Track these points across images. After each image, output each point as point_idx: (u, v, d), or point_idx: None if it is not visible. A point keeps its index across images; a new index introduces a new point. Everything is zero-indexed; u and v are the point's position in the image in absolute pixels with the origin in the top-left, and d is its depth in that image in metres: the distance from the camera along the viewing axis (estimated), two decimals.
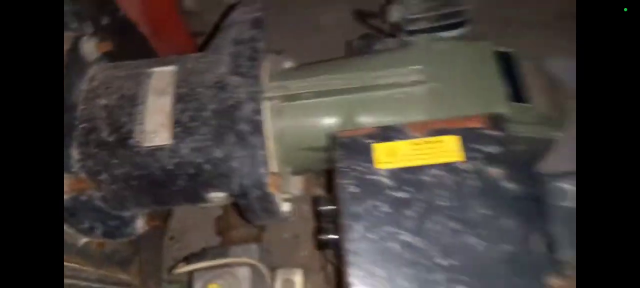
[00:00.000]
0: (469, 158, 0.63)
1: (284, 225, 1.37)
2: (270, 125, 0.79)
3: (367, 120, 0.78)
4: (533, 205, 0.63)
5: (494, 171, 0.62)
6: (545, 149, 0.96)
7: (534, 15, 1.64)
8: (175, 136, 0.79)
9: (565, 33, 1.61)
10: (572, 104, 0.94)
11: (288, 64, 0.96)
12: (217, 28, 0.92)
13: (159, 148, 0.79)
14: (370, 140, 0.66)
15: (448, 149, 0.64)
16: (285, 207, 0.87)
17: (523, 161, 0.66)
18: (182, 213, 1.46)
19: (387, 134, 0.67)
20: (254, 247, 1.10)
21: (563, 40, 1.58)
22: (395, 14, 0.89)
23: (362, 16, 1.05)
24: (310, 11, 1.79)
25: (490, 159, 0.63)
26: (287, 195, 0.86)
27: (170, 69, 0.86)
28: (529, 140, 0.87)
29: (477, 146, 0.64)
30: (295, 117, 0.80)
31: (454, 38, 0.85)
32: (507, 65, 0.83)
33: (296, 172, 0.91)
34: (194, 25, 1.80)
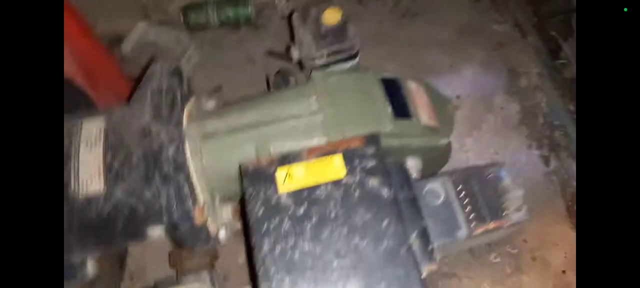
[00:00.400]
0: (351, 173, 0.76)
1: (238, 252, 1.46)
2: (192, 162, 0.90)
3: (277, 148, 0.90)
4: (408, 206, 0.76)
5: (372, 181, 0.75)
6: (443, 154, 1.11)
7: (437, 33, 1.83)
8: (108, 182, 0.88)
9: (467, 46, 1.82)
10: (455, 113, 1.10)
11: (211, 104, 1.07)
12: (139, 79, 1.02)
13: (95, 196, 0.88)
14: (272, 168, 0.78)
15: (335, 168, 0.77)
16: (221, 233, 0.97)
17: (397, 170, 0.80)
18: (139, 252, 1.52)
19: (286, 160, 0.79)
20: (204, 273, 1.19)
21: (465, 53, 1.79)
22: (295, 55, 1.02)
23: (273, 55, 1.17)
24: (243, 46, 1.91)
25: (369, 172, 0.76)
26: (219, 222, 0.97)
27: (98, 121, 0.95)
28: (421, 149, 1.02)
29: (358, 163, 0.77)
30: (213, 153, 0.91)
31: (346, 70, 1.00)
32: (392, 88, 0.97)
33: (226, 200, 1.01)
34: (132, 71, 1.88)
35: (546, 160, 1.59)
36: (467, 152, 1.61)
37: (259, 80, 1.59)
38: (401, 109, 0.95)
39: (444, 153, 1.11)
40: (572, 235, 1.46)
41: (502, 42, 1.81)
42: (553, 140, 1.63)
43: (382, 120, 0.91)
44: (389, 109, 0.92)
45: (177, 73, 0.99)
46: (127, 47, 1.92)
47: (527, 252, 1.46)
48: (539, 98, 1.71)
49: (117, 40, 1.98)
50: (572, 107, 1.67)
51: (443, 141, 1.01)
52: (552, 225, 1.49)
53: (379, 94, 0.94)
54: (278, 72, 1.19)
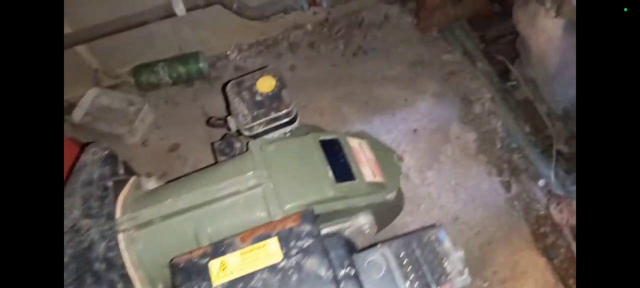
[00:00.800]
0: (288, 256, 0.73)
1: None
2: (127, 254, 0.85)
3: (216, 228, 0.87)
4: (349, 284, 0.73)
5: (310, 262, 0.72)
6: (395, 204, 1.10)
7: (389, 69, 1.84)
8: None
9: (419, 78, 1.83)
10: (399, 164, 1.09)
11: (151, 184, 1.03)
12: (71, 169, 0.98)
13: None
14: (204, 259, 0.74)
15: (270, 252, 0.74)
16: None
17: (336, 245, 0.77)
18: None
19: (219, 250, 0.75)
20: None
21: (418, 85, 1.81)
22: (233, 125, 1.00)
23: (213, 125, 1.15)
24: (198, 102, 1.89)
25: (306, 252, 0.73)
26: None
27: None
28: (369, 206, 1.00)
29: (294, 243, 0.74)
30: (149, 242, 0.87)
31: (284, 136, 0.98)
32: (333, 150, 0.95)
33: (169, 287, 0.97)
34: (85, 137, 1.83)
35: (507, 186, 1.59)
36: (428, 185, 1.60)
37: (217, 135, 1.56)
38: (343, 171, 0.93)
39: (396, 203, 1.09)
40: (540, 261, 1.45)
41: (453, 71, 1.83)
42: (512, 164, 1.64)
43: (323, 187, 0.89)
44: (330, 174, 0.90)
45: (110, 158, 0.96)
46: (78, 114, 1.87)
47: (498, 284, 1.44)
48: (494, 123, 1.72)
49: (69, 108, 1.94)
50: (527, 128, 1.69)
51: (390, 196, 1.00)
52: (519, 252, 1.47)
53: (319, 158, 0.92)
54: (223, 136, 1.16)
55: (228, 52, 2.01)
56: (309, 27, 1.99)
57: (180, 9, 1.69)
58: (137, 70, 1.91)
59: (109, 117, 1.89)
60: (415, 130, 1.71)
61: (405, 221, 1.54)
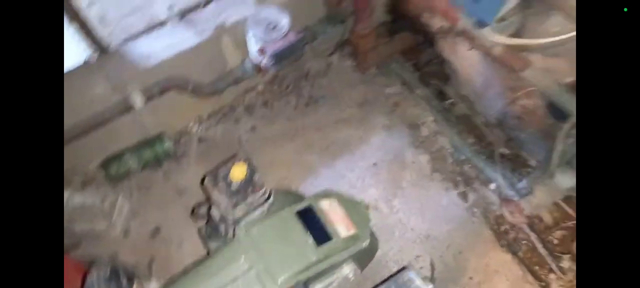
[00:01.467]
0: None
1: None
2: None
3: None
4: None
5: None
6: (370, 248, 1.24)
7: (340, 112, 2.01)
8: None
9: (369, 115, 2.00)
10: (367, 212, 1.24)
11: (152, 286, 1.12)
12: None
13: None
14: None
15: None
16: None
17: None
18: None
19: None
20: None
21: (369, 122, 1.98)
22: (216, 215, 1.12)
23: (197, 217, 1.26)
24: (169, 181, 1.97)
25: None
26: None
27: None
28: (350, 258, 1.14)
29: None
30: None
31: (265, 215, 1.11)
32: (308, 217, 1.09)
33: None
34: (65, 240, 1.86)
35: (464, 196, 1.78)
36: (397, 212, 1.77)
37: (187, 210, 1.64)
38: (321, 234, 1.07)
39: (372, 246, 1.24)
40: (506, 257, 1.64)
41: (397, 102, 2.03)
42: (464, 175, 1.84)
43: (307, 254, 1.02)
44: (311, 240, 1.04)
45: (113, 273, 1.04)
46: None
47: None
48: (442, 141, 1.92)
49: None
50: (471, 140, 1.90)
51: (365, 244, 1.14)
52: (488, 254, 1.66)
53: (298, 229, 1.05)
54: (207, 221, 1.27)
55: (190, 126, 2.11)
56: (260, 87, 2.14)
57: (138, 101, 1.79)
58: (106, 164, 1.97)
59: (85, 216, 1.94)
60: (375, 164, 1.87)
61: (384, 249, 1.68)
